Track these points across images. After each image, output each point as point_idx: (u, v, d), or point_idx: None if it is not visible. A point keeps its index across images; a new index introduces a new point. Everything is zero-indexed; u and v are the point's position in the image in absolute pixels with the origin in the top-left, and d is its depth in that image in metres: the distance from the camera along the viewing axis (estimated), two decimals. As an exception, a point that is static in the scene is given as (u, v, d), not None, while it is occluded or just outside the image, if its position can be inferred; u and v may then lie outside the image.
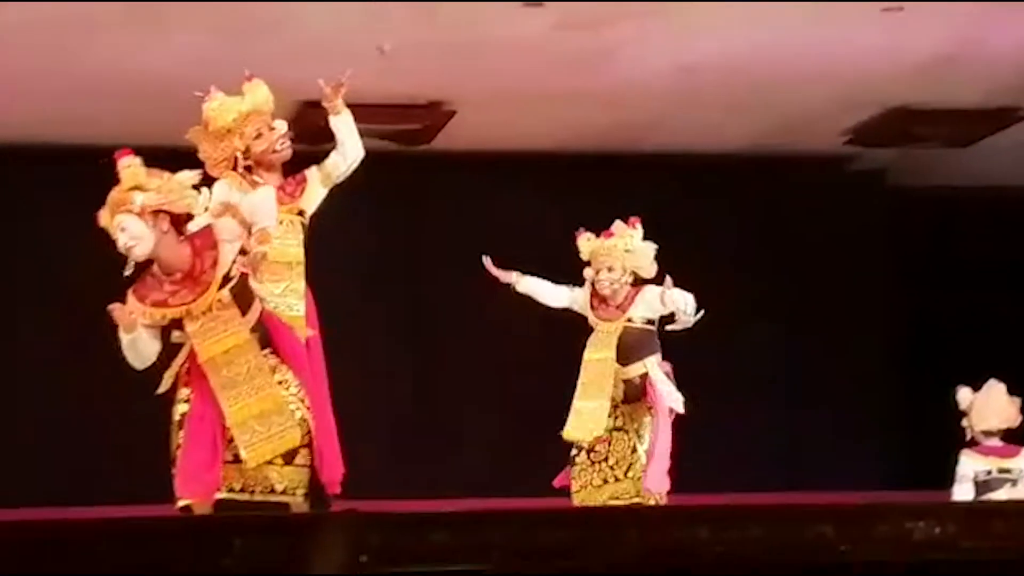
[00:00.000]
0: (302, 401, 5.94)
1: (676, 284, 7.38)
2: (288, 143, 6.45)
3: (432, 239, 7.89)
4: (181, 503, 5.89)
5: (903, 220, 11.50)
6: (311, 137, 10.04)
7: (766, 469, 10.35)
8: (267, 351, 5.94)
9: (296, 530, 3.00)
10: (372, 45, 8.62)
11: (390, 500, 7.56)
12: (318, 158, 7.79)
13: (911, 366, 11.20)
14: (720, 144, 10.89)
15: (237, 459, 5.88)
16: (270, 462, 5.87)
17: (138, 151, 5.94)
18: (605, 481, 7.49)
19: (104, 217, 5.81)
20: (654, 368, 7.58)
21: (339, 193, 6.73)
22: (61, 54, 8.78)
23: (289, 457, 5.88)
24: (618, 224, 7.62)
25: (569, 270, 10.66)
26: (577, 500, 7.44)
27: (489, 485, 8.84)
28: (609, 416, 7.49)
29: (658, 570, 2.89)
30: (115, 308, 5.77)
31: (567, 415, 7.38)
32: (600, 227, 11.02)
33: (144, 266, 5.85)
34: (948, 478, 8.38)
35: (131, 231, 5.73)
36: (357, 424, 8.27)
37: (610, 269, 7.54)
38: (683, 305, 7.33)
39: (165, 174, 5.81)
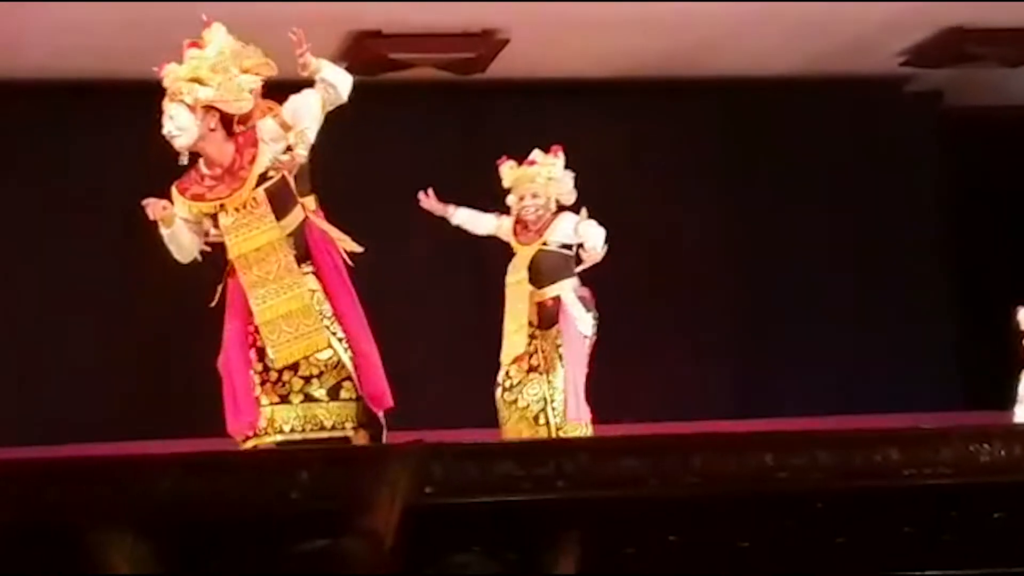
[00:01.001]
0: (335, 334, 5.95)
1: (733, 207, 7.42)
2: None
3: (486, 168, 7.86)
4: (240, 440, 5.94)
5: (959, 141, 11.39)
6: (366, 68, 10.06)
7: (825, 393, 10.31)
8: (307, 264, 5.96)
9: (361, 462, 3.00)
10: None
11: (450, 430, 7.60)
12: (374, 90, 7.78)
13: (966, 288, 11.13)
14: (774, 68, 10.80)
15: (284, 399, 5.91)
16: (315, 399, 5.89)
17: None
18: (523, 419, 7.57)
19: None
20: (567, 292, 7.64)
21: (394, 122, 6.72)
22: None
23: (334, 392, 5.91)
24: (538, 153, 7.66)
25: (627, 195, 10.67)
26: (503, 436, 7.58)
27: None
28: (528, 345, 7.57)
29: (724, 496, 2.89)
30: (148, 203, 5.86)
31: None
32: (651, 153, 11.04)
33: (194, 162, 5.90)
34: (1003, 400, 8.35)
35: (177, 121, 5.82)
36: (412, 353, 8.31)
37: (534, 196, 7.66)
38: (594, 239, 7.41)
39: (231, 70, 5.80)
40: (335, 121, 7.04)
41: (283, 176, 5.94)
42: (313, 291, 5.94)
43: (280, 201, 5.94)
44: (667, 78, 10.67)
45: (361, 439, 5.93)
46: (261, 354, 5.93)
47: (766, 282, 10.89)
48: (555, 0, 9.31)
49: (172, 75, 5.89)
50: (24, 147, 9.94)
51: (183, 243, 6.05)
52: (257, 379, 5.93)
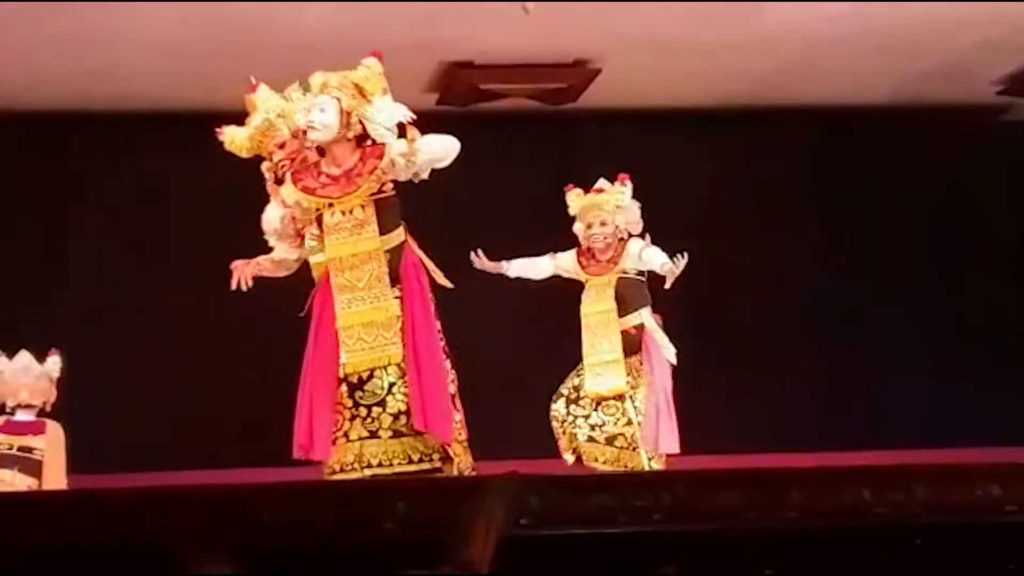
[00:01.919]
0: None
1: (828, 234, 7.39)
2: (288, 164, 6.30)
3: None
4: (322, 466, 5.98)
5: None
6: (458, 98, 10.11)
7: (921, 425, 10.21)
8: (395, 289, 6.01)
9: (458, 492, 3.01)
10: (517, 5, 8.61)
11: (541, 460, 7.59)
12: (465, 120, 7.79)
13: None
14: (868, 95, 10.74)
15: (374, 435, 5.94)
16: (404, 434, 5.92)
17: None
18: (592, 440, 7.53)
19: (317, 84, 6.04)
20: (649, 319, 7.61)
21: (485, 152, 6.75)
22: (200, 16, 8.88)
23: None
24: (604, 181, 7.62)
25: (719, 223, 10.64)
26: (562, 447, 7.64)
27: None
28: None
29: (821, 531, 2.87)
30: (236, 266, 6.13)
31: None
32: (743, 181, 11.00)
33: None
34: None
35: (326, 116, 5.95)
36: (511, 383, 8.30)
37: (603, 224, 7.61)
38: (658, 262, 7.37)
39: (389, 96, 5.99)
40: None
41: (394, 195, 6.01)
42: (397, 316, 5.98)
43: (385, 216, 6.02)
44: (759, 106, 10.64)
45: (451, 470, 5.95)
46: (352, 389, 5.96)
47: (858, 310, 10.81)
48: (650, 1, 9.27)
49: (343, 74, 5.98)
50: (97, 174, 10.06)
51: (278, 270, 6.31)
52: (347, 414, 5.96)
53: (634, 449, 7.49)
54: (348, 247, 5.95)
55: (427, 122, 7.03)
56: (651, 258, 7.55)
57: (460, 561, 2.77)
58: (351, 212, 5.98)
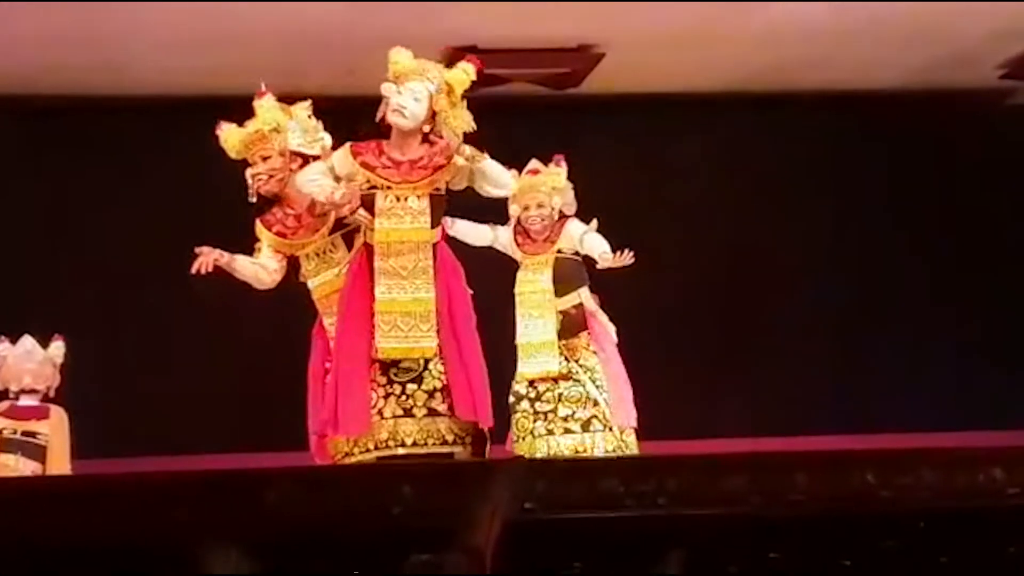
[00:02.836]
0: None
1: (833, 220, 7.30)
2: (258, 183, 6.29)
3: (580, 182, 7.85)
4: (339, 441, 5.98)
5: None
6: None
7: (927, 409, 10.22)
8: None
9: (463, 478, 3.01)
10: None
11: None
12: (468, 105, 7.71)
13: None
14: (872, 81, 10.73)
15: (408, 413, 5.96)
16: (439, 413, 5.94)
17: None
18: (550, 432, 7.35)
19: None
20: (588, 299, 7.51)
21: (489, 136, 6.75)
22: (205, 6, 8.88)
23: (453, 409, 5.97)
24: (536, 162, 7.53)
25: (722, 209, 10.64)
26: (518, 451, 7.31)
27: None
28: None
29: (828, 514, 2.88)
30: (202, 251, 6.18)
31: None
32: (749, 167, 11.00)
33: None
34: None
35: (417, 107, 5.96)
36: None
37: (539, 205, 7.51)
38: (598, 250, 7.24)
39: (464, 103, 6.11)
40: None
41: (446, 196, 6.04)
42: (434, 309, 6.01)
43: (437, 212, 6.03)
44: (764, 93, 10.63)
45: (464, 454, 5.97)
46: (385, 367, 5.99)
47: (867, 294, 10.81)
48: (653, 0, 9.26)
49: (440, 68, 6.10)
50: (129, 164, 10.06)
51: (249, 275, 6.30)
52: (381, 392, 5.98)
53: (609, 429, 7.38)
54: (398, 234, 5.97)
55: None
56: (592, 244, 7.40)
57: (466, 545, 2.78)
58: (405, 200, 6.00)
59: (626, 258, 7.19)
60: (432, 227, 6.01)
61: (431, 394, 5.97)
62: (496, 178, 6.14)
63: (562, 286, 7.43)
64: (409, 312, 5.95)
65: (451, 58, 9.88)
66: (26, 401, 7.35)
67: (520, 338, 7.38)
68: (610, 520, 2.85)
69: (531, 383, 7.35)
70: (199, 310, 9.75)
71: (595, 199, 7.61)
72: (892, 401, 10.30)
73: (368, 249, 6.06)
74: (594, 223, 7.46)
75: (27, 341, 7.44)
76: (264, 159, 6.27)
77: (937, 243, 10.86)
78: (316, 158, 6.23)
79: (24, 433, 7.28)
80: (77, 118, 10.05)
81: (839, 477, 2.87)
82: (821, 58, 10.18)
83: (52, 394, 7.42)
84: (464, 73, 6.13)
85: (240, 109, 6.48)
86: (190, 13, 8.90)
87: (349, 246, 6.20)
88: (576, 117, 10.40)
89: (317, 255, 6.25)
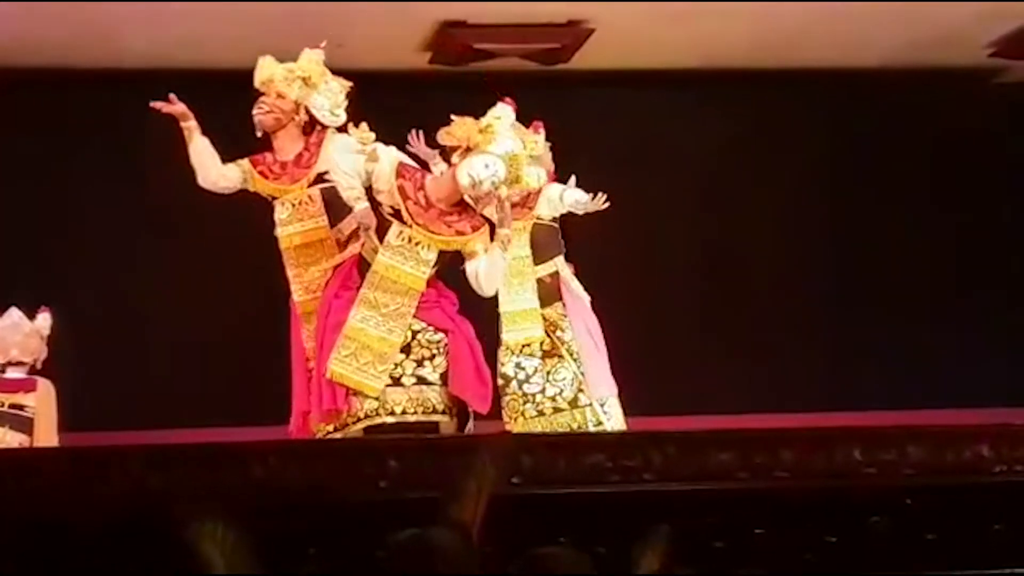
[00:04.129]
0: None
1: (822, 197, 7.22)
2: (259, 110, 6.50)
3: (571, 157, 7.84)
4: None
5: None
6: (451, 58, 10.09)
7: (914, 387, 10.23)
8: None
9: (450, 452, 3.02)
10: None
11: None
12: (457, 80, 7.76)
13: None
14: (861, 59, 10.71)
15: (397, 382, 5.99)
16: (428, 382, 5.99)
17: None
18: (541, 413, 7.27)
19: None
20: (564, 267, 7.41)
21: (478, 111, 6.74)
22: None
23: (446, 377, 6.02)
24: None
25: (713, 185, 10.64)
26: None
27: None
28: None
29: (813, 490, 2.89)
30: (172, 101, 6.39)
31: None
32: (738, 144, 11.00)
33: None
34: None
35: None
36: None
37: (516, 180, 7.37)
38: (581, 204, 7.19)
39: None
40: (421, 110, 7.07)
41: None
42: (396, 351, 6.07)
43: (440, 262, 6.20)
44: (753, 69, 10.61)
45: (450, 425, 6.00)
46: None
47: (854, 273, 10.81)
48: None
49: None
50: (114, 137, 10.03)
51: (198, 161, 6.50)
52: None
53: (589, 405, 7.33)
54: (395, 272, 6.04)
55: (419, 81, 7.06)
56: (574, 197, 7.30)
57: (452, 519, 2.78)
58: (416, 244, 6.11)
59: (600, 202, 7.13)
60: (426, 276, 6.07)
61: (420, 363, 6.02)
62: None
63: (539, 254, 7.33)
64: (372, 348, 5.99)
65: (440, 32, 9.89)
66: (13, 373, 7.34)
67: (503, 306, 7.26)
68: (596, 495, 2.87)
69: (518, 364, 7.27)
70: (187, 283, 9.75)
71: (583, 175, 7.58)
72: (879, 379, 10.30)
73: (361, 259, 6.10)
74: (572, 180, 7.32)
75: (14, 313, 7.42)
76: (279, 96, 6.41)
77: (925, 222, 10.86)
78: (322, 127, 6.38)
79: (11, 406, 7.27)
80: (62, 91, 10.01)
81: (825, 454, 2.88)
82: (809, 34, 10.16)
83: (39, 366, 7.41)
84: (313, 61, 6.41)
85: (229, 81, 6.50)
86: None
87: (326, 202, 6.31)
88: (565, 92, 10.38)
89: (293, 204, 6.39)
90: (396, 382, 5.99)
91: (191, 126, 6.45)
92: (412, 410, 5.98)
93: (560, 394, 7.20)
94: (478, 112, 6.71)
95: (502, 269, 6.29)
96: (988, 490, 3.04)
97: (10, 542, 2.78)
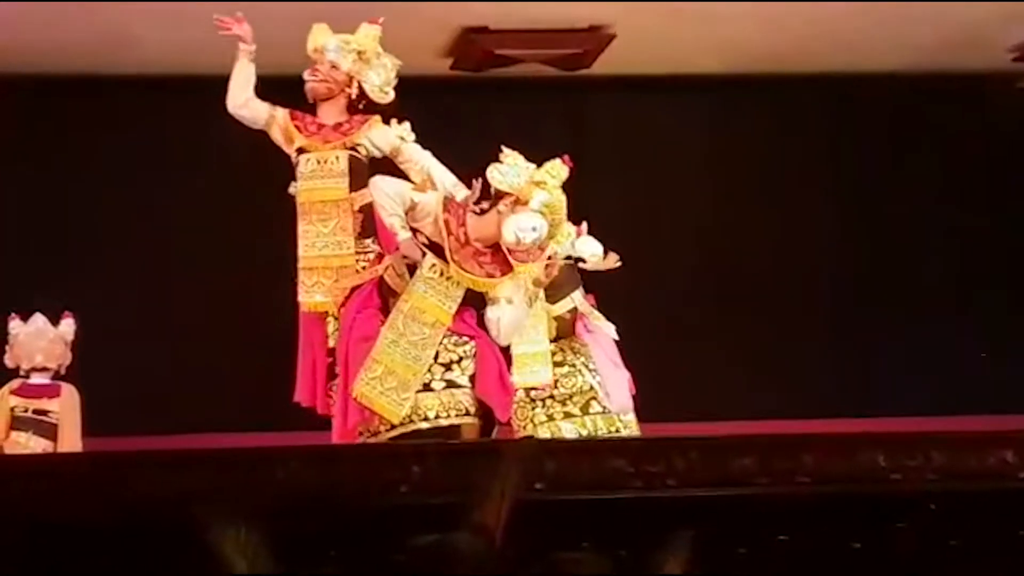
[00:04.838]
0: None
1: (843, 202, 7.16)
2: (313, 77, 6.58)
3: (593, 164, 7.84)
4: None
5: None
6: (473, 63, 10.10)
7: (936, 392, 10.20)
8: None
9: (472, 457, 3.02)
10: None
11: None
12: (479, 85, 7.74)
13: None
14: (883, 63, 10.70)
15: (427, 387, 6.02)
16: (458, 385, 6.03)
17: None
18: (551, 418, 7.21)
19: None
20: (582, 302, 7.34)
21: (500, 117, 6.76)
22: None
23: (474, 380, 6.07)
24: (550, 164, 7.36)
25: (732, 190, 10.63)
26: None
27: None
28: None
29: (836, 496, 2.88)
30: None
31: None
32: (759, 149, 11.00)
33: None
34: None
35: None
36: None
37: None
38: (589, 253, 7.15)
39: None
40: (442, 117, 7.09)
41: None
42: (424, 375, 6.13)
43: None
44: (775, 73, 10.60)
45: (475, 430, 6.04)
46: None
47: (877, 278, 10.79)
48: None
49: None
50: (134, 142, 10.06)
51: (238, 80, 6.51)
52: None
53: (606, 412, 7.29)
54: (423, 303, 6.10)
55: (441, 87, 7.07)
56: (584, 248, 7.26)
57: (475, 524, 2.78)
58: (444, 276, 6.11)
59: (612, 261, 7.12)
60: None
61: (448, 367, 6.06)
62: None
63: (555, 292, 7.28)
64: (397, 374, 6.02)
65: (462, 38, 9.90)
66: (37, 379, 7.37)
67: (515, 348, 7.23)
68: (619, 501, 2.86)
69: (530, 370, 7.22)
70: (211, 289, 9.77)
71: (603, 180, 7.59)
72: (900, 386, 10.29)
73: (382, 282, 6.15)
74: (584, 227, 7.28)
75: (38, 319, 7.45)
76: (333, 67, 6.49)
77: (947, 227, 10.84)
78: (370, 106, 6.48)
79: (35, 411, 7.30)
80: (83, 96, 10.04)
81: (848, 459, 2.87)
82: (830, 38, 10.15)
83: (63, 372, 7.43)
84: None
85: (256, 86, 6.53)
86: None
87: (351, 169, 6.40)
88: (586, 98, 10.39)
89: (318, 161, 6.44)
90: (426, 387, 6.03)
91: (248, 50, 6.50)
92: (444, 414, 6.02)
93: (570, 398, 7.17)
94: (499, 117, 6.72)
95: (523, 322, 6.30)
96: (1013, 496, 3.03)
97: (34, 547, 2.79)
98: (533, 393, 7.17)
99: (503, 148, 6.34)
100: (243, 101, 6.51)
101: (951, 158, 10.96)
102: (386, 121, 6.60)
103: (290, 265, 6.57)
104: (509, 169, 6.34)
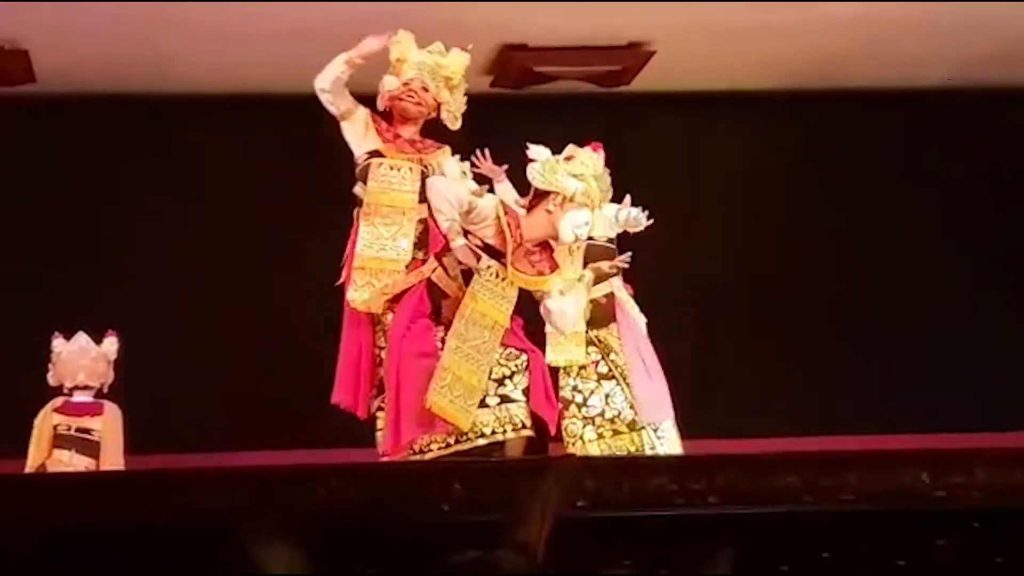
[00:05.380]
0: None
1: (884, 217, 7.13)
2: (410, 99, 6.62)
3: (633, 180, 7.82)
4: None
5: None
6: (512, 80, 10.11)
7: (979, 409, 10.14)
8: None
9: (514, 475, 3.01)
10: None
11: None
12: (518, 102, 7.73)
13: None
14: (924, 78, 10.66)
15: (482, 403, 6.05)
16: (512, 399, 6.08)
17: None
18: (600, 436, 7.17)
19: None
20: (620, 289, 7.29)
21: (539, 134, 6.76)
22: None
23: (528, 393, 6.11)
24: (574, 148, 7.25)
25: (773, 206, 10.60)
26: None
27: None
28: (589, 348, 7.23)
29: (880, 513, 2.86)
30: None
31: None
32: (798, 165, 10.96)
33: None
34: None
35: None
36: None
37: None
38: (636, 221, 7.13)
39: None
40: (482, 133, 7.09)
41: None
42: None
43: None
44: (815, 90, 10.58)
45: (518, 446, 6.06)
46: None
47: (915, 293, 10.74)
48: (703, 0, 9.24)
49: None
50: (176, 160, 10.10)
51: (334, 65, 6.50)
52: None
53: (644, 428, 7.24)
54: (483, 306, 6.12)
55: (481, 104, 7.06)
56: (628, 216, 7.23)
57: (516, 542, 2.78)
58: (499, 277, 6.19)
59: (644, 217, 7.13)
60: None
61: (500, 382, 6.10)
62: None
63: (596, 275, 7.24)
64: (463, 381, 6.05)
65: (501, 55, 9.91)
66: (80, 397, 7.40)
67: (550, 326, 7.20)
68: (661, 518, 2.85)
69: (575, 387, 7.17)
70: (253, 306, 9.81)
71: (641, 196, 7.55)
72: (940, 401, 10.23)
73: (431, 284, 6.17)
74: (627, 199, 7.23)
75: (81, 338, 7.49)
76: (424, 90, 6.55)
77: (983, 243, 10.78)
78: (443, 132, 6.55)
79: (78, 429, 7.34)
80: (122, 114, 10.09)
81: (891, 476, 2.86)
82: (868, 54, 10.12)
83: (106, 390, 7.47)
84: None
85: (285, 105, 6.55)
86: (235, 8, 8.92)
87: (422, 178, 6.45)
88: (626, 115, 10.38)
89: (391, 168, 6.46)
90: (482, 404, 6.07)
91: (353, 60, 6.51)
92: (500, 429, 6.07)
93: (619, 416, 7.13)
94: (539, 134, 6.72)
95: (582, 310, 6.36)
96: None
97: (79, 566, 2.80)
98: (584, 411, 7.13)
99: (528, 145, 6.38)
100: (332, 82, 6.48)
101: (993, 173, 10.90)
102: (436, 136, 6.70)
103: (333, 278, 6.57)
104: (545, 167, 6.39)
